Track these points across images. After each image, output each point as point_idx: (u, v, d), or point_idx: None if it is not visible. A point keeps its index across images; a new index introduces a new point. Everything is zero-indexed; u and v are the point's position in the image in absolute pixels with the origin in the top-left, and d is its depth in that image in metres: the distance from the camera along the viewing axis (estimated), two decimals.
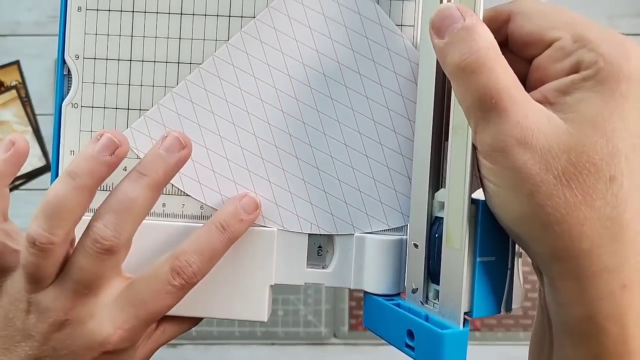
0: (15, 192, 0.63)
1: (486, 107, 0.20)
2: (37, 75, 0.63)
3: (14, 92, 0.63)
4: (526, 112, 0.20)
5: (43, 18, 0.63)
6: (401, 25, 0.27)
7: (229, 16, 0.28)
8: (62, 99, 0.28)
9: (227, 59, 0.28)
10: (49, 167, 0.62)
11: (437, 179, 0.25)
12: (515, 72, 0.23)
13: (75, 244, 0.25)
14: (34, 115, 0.63)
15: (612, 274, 0.20)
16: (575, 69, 0.21)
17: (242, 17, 0.28)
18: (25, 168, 0.60)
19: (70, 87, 0.28)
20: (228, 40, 0.28)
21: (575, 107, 0.20)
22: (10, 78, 0.63)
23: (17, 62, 0.63)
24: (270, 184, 0.28)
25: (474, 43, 0.21)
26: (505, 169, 0.20)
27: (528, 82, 0.23)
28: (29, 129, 0.63)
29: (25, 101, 0.63)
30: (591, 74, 0.20)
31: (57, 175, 0.28)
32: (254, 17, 0.28)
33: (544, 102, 0.21)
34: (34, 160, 0.63)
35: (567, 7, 0.24)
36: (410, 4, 0.27)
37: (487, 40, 0.21)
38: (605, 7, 0.63)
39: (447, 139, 0.25)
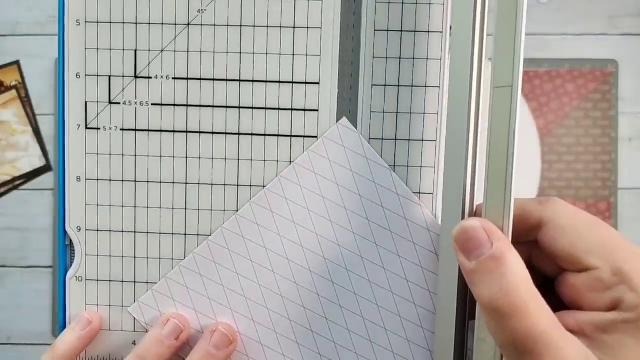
0: (15, 192, 0.63)
1: (520, 351, 0.19)
2: (37, 75, 0.63)
3: (13, 92, 0.62)
4: (564, 356, 0.19)
5: (43, 18, 0.63)
6: (419, 193, 0.26)
7: (237, 185, 0.26)
8: (66, 272, 0.27)
9: (237, 230, 0.26)
10: (49, 167, 0.62)
11: None
12: (544, 267, 0.22)
13: None
14: (34, 115, 0.62)
15: None
16: (615, 306, 0.19)
17: (251, 186, 0.26)
18: (25, 168, 0.62)
19: (74, 257, 0.27)
20: (237, 210, 0.26)
21: (614, 351, 0.19)
22: (10, 78, 0.62)
23: (17, 62, 0.62)
24: (284, 358, 0.27)
25: (504, 281, 0.19)
26: None
27: (560, 293, 0.21)
28: (29, 129, 0.62)
29: (25, 101, 0.62)
30: (633, 319, 0.19)
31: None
32: (264, 187, 0.26)
33: (580, 334, 0.20)
34: (34, 160, 0.62)
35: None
36: (429, 170, 0.26)
37: (518, 276, 0.19)
38: (605, 7, 0.63)
39: (472, 318, 0.24)
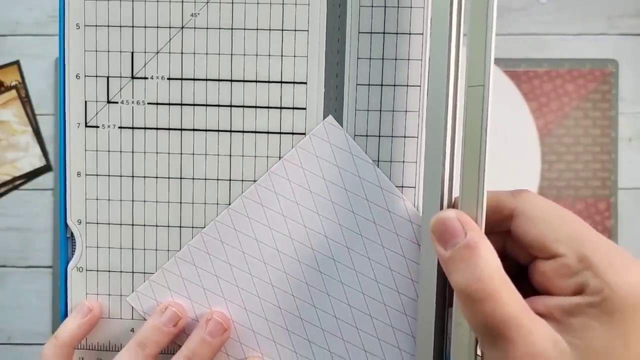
0: (15, 192, 0.62)
1: (493, 334, 0.20)
2: (37, 75, 0.62)
3: (13, 92, 0.62)
4: (533, 339, 0.20)
5: (43, 18, 0.62)
6: (402, 186, 0.27)
7: (230, 180, 0.28)
8: (67, 262, 0.29)
9: (229, 223, 0.28)
10: (49, 167, 0.62)
11: (440, 349, 0.26)
12: (517, 255, 0.24)
13: None
14: (34, 115, 0.62)
15: None
16: (580, 291, 0.21)
17: (242, 180, 0.28)
18: (25, 168, 0.61)
19: (75, 249, 0.29)
20: (229, 204, 0.28)
21: (580, 333, 0.20)
22: (10, 78, 0.62)
23: (17, 62, 0.62)
24: (275, 344, 0.28)
25: (477, 268, 0.21)
26: None
27: (532, 280, 0.23)
28: (29, 128, 0.62)
29: (25, 101, 0.62)
30: (596, 302, 0.20)
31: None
32: (255, 181, 0.27)
33: (549, 317, 0.21)
34: (34, 160, 0.62)
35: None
36: (411, 165, 0.27)
37: (490, 265, 0.21)
38: (607, 7, 0.62)
39: (451, 305, 0.26)
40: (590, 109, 0.62)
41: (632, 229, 0.62)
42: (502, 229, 0.23)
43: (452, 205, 0.24)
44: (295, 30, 0.27)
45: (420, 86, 0.26)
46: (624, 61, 0.62)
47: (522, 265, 0.24)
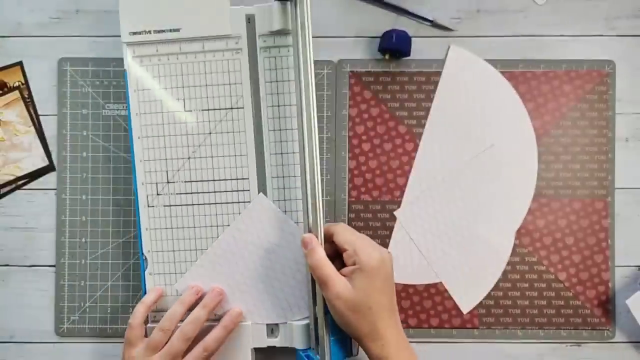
0: (18, 192, 0.62)
1: (321, 283, 0.51)
2: (40, 75, 0.62)
3: (16, 93, 0.61)
4: (338, 284, 0.50)
5: (45, 19, 0.62)
6: (298, 222, 0.58)
7: (217, 226, 0.59)
8: (144, 270, 0.60)
9: (218, 247, 0.59)
10: (52, 167, 0.62)
11: (314, 293, 0.56)
12: (340, 251, 0.54)
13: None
14: (37, 115, 0.62)
15: (375, 342, 0.50)
16: (355, 264, 0.51)
17: (223, 226, 0.59)
18: (28, 168, 0.62)
19: (147, 264, 0.60)
20: (217, 237, 0.59)
21: (355, 281, 0.50)
22: (13, 79, 0.61)
23: (19, 63, 0.62)
24: (245, 304, 0.59)
25: (314, 258, 0.51)
26: (332, 308, 0.51)
27: (344, 260, 0.53)
28: (32, 129, 0.62)
29: (28, 102, 0.61)
30: (359, 268, 0.50)
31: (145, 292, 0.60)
32: (228, 225, 0.58)
33: (346, 276, 0.51)
34: (37, 160, 0.62)
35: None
36: (300, 212, 0.58)
37: (320, 255, 0.51)
38: (604, 8, 0.62)
39: None
40: (588, 110, 0.61)
41: (629, 228, 0.62)
42: (331, 240, 0.54)
43: (310, 231, 0.54)
44: (241, 155, 0.58)
45: (300, 176, 0.57)
46: (621, 62, 0.62)
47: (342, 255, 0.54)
